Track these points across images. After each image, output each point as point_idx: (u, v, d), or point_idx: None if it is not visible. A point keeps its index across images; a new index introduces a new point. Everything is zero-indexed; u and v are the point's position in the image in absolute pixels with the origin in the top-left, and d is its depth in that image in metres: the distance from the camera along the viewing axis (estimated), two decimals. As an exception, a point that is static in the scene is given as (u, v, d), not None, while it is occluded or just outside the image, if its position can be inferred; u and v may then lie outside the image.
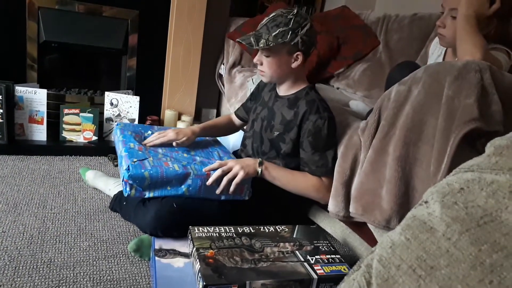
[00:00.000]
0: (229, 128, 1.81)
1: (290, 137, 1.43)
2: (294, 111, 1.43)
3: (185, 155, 1.48)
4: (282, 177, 1.40)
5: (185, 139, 1.53)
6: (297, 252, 1.21)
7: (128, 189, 1.27)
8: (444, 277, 0.49)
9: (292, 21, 1.34)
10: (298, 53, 1.38)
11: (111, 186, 1.66)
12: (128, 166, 1.27)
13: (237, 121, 1.79)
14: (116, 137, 1.55)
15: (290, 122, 1.43)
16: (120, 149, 1.42)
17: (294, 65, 1.40)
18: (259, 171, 1.37)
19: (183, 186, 1.32)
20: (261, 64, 1.42)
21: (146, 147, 1.46)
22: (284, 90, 1.49)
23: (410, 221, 0.59)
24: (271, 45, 1.33)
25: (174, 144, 1.53)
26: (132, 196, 1.29)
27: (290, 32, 1.34)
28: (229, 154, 1.60)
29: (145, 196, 1.30)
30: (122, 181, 1.28)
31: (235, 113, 1.79)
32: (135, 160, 1.31)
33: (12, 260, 1.23)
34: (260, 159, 1.40)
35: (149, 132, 1.63)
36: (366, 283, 0.59)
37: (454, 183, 0.57)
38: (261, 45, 1.34)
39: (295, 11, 1.37)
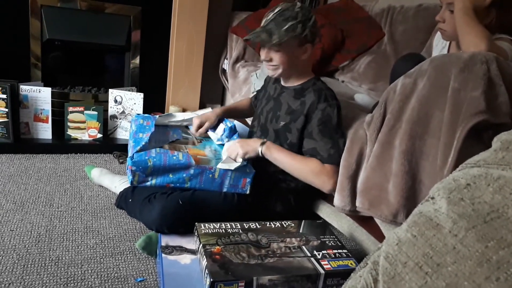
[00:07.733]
0: (250, 111, 1.84)
1: (296, 126, 1.42)
2: (301, 100, 1.42)
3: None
4: (283, 158, 1.40)
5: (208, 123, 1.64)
6: (303, 247, 1.21)
7: (131, 176, 1.32)
8: (450, 274, 0.49)
9: (300, 13, 1.35)
10: (307, 44, 1.38)
11: (117, 184, 1.66)
12: (133, 154, 1.33)
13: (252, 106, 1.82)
14: (130, 129, 1.63)
15: (296, 111, 1.43)
16: (130, 140, 1.49)
17: (303, 57, 1.41)
18: (260, 150, 1.40)
19: (184, 175, 1.35)
20: (270, 60, 1.41)
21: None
22: (290, 82, 1.49)
23: (416, 217, 0.58)
24: (285, 39, 1.33)
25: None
26: (136, 184, 1.34)
27: (300, 24, 1.34)
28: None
29: (148, 182, 1.34)
30: (127, 169, 1.33)
31: (252, 98, 1.82)
32: (139, 148, 1.37)
33: (21, 258, 1.24)
34: (264, 139, 1.44)
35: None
36: (373, 280, 0.58)
37: (461, 178, 0.57)
38: (275, 41, 1.33)
39: (299, 4, 1.38)
